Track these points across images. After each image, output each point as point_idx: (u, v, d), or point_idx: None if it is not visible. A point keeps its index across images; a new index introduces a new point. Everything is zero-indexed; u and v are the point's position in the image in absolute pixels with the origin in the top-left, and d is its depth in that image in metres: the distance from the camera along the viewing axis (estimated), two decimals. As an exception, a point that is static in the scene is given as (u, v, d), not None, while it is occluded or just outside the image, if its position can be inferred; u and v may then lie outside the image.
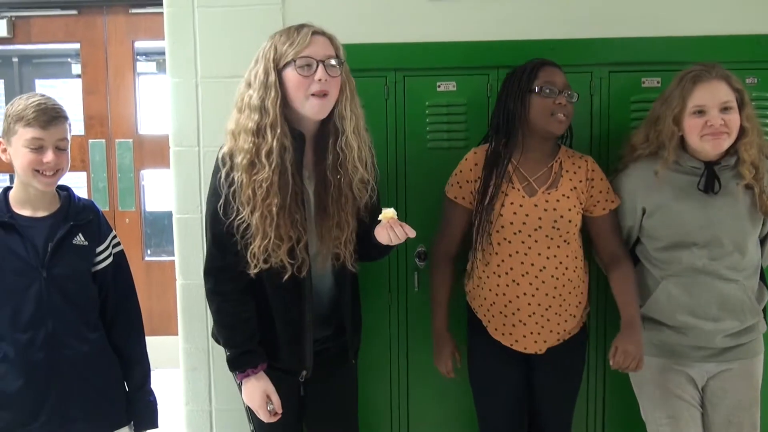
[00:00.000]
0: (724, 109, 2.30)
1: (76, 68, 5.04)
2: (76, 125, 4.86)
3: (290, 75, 2.11)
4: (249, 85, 2.16)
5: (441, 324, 2.56)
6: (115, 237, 2.39)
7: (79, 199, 2.34)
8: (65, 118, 2.22)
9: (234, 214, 2.14)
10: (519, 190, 2.41)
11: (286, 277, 2.16)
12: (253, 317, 2.24)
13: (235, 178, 2.14)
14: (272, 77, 2.10)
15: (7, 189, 2.27)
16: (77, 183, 4.78)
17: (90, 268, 2.30)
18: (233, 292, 2.22)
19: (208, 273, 2.26)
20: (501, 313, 2.44)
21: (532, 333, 2.43)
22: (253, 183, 2.11)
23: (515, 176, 2.42)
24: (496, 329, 2.46)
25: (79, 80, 4.89)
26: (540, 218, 2.39)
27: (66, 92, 5.25)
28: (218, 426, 2.92)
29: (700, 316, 2.38)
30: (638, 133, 2.49)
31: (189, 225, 2.84)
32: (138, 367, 2.38)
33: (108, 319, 2.35)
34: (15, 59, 6.08)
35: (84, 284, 2.27)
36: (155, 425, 2.43)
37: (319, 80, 2.10)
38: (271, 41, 2.16)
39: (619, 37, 2.70)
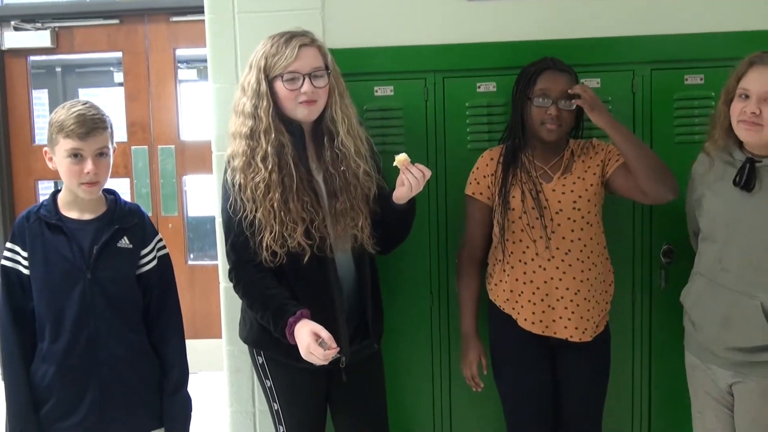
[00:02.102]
0: (767, 99, 2.16)
1: (119, 76, 5.13)
2: (119, 132, 4.92)
3: (279, 86, 2.24)
4: (243, 91, 2.29)
5: (469, 327, 2.58)
6: (160, 240, 2.42)
7: (125, 202, 2.38)
8: (105, 127, 2.25)
9: (241, 212, 2.25)
10: (536, 177, 2.45)
11: (306, 257, 2.23)
12: (281, 292, 2.26)
13: (236, 178, 2.26)
14: (263, 87, 2.23)
15: (56, 192, 2.33)
16: (120, 189, 4.84)
17: (134, 271, 2.34)
18: (255, 275, 2.28)
19: (230, 272, 2.36)
20: (530, 301, 2.45)
21: (561, 318, 2.43)
22: (252, 183, 2.23)
23: (530, 166, 2.47)
24: (525, 319, 2.47)
25: (122, 88, 4.96)
26: (560, 201, 2.43)
27: (109, 100, 5.34)
28: (262, 428, 2.93)
29: (707, 322, 2.31)
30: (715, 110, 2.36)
31: (231, 229, 2.86)
32: (175, 371, 2.40)
33: (149, 322, 2.39)
34: (58, 69, 6.22)
35: (127, 286, 2.32)
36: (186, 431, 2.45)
37: (305, 93, 2.21)
38: (263, 49, 2.27)
39: (662, 34, 2.67)
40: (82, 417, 2.26)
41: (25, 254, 2.25)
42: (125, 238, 2.31)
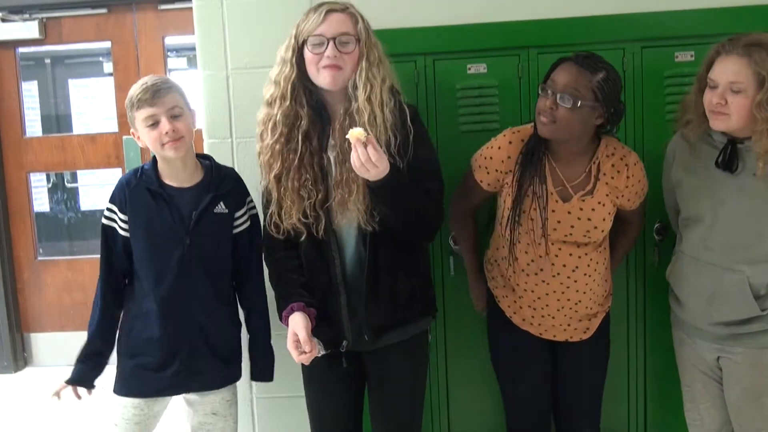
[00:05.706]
0: (732, 89, 2.12)
1: (108, 66, 5.09)
2: (110, 123, 4.91)
3: (306, 52, 2.19)
4: (277, 59, 2.27)
5: (472, 263, 2.64)
6: (251, 201, 2.51)
7: (221, 167, 2.50)
8: (170, 87, 2.34)
9: (263, 180, 2.29)
10: (553, 194, 2.34)
11: (303, 237, 2.24)
12: (296, 279, 2.29)
13: (257, 147, 2.29)
14: (290, 54, 2.20)
15: (156, 160, 2.42)
16: (113, 179, 4.84)
17: (230, 235, 2.44)
18: (279, 253, 2.32)
19: (261, 245, 2.41)
20: (529, 306, 2.44)
21: (561, 324, 2.44)
22: (261, 151, 2.25)
23: (551, 178, 2.34)
24: (523, 320, 2.46)
25: (112, 78, 4.93)
26: (572, 226, 2.34)
27: (99, 91, 5.31)
28: (259, 413, 2.96)
29: (693, 298, 2.34)
30: (688, 96, 2.35)
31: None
32: (262, 322, 2.50)
33: (239, 278, 2.51)
34: (47, 60, 6.15)
35: (222, 250, 2.44)
36: (271, 377, 2.55)
37: (328, 56, 2.14)
38: (299, 19, 2.23)
39: (652, 11, 2.66)
40: (175, 369, 2.40)
41: (123, 216, 2.39)
42: (221, 203, 2.41)
